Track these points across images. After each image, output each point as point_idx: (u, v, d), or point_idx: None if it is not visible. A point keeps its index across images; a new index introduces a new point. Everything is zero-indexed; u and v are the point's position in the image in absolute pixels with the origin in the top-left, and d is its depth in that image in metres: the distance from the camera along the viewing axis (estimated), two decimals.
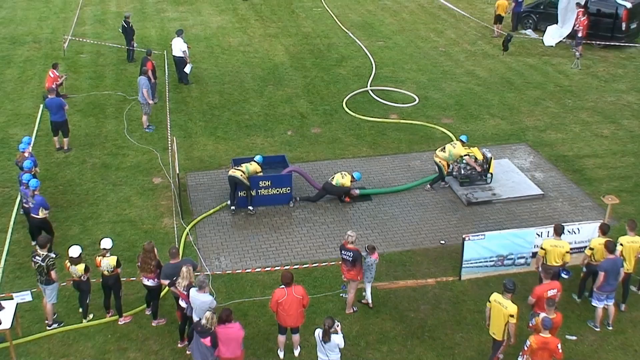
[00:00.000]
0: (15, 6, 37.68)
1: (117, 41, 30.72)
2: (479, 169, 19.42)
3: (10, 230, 17.50)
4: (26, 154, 18.05)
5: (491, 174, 19.72)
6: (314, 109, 24.95)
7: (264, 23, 34.87)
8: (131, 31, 29.27)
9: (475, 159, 19.36)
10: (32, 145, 19.40)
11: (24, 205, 16.68)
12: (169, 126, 23.06)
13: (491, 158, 19.61)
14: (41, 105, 23.95)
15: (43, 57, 29.63)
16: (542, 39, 32.41)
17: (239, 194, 18.36)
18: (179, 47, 26.57)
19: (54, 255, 14.19)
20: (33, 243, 16.37)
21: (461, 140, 19.61)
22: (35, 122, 23.50)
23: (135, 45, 29.33)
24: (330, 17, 35.82)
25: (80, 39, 31.52)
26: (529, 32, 33.62)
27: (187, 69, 26.66)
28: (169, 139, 21.83)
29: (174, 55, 26.84)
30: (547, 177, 20.46)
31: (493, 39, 32.58)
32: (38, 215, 16.23)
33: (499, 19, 33.13)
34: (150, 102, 22.98)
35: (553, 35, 32.21)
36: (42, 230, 16.31)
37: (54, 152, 21.60)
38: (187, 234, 17.39)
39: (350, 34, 33.00)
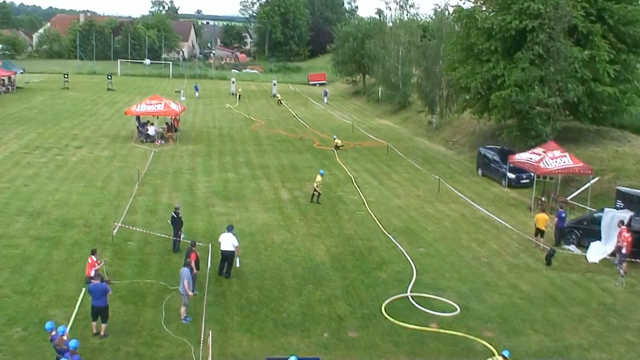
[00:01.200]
0: (71, 190, 39.27)
1: (165, 231, 31.48)
2: None
3: None
4: (65, 338, 18.32)
5: None
6: (352, 312, 24.76)
7: (308, 223, 35.54)
8: (180, 222, 30.07)
9: None
10: (67, 332, 19.49)
11: None
12: (203, 319, 23.02)
13: None
14: (83, 289, 24.26)
15: (92, 241, 30.33)
16: (585, 255, 32.29)
17: None
18: (230, 241, 27.11)
19: None
20: None
21: (503, 356, 19.16)
22: (75, 305, 23.69)
23: (182, 237, 29.99)
24: (373, 220, 36.40)
25: (130, 227, 32.37)
26: (572, 247, 33.55)
27: (238, 263, 27.10)
28: (204, 333, 21.71)
29: (223, 250, 27.29)
30: None
31: (536, 253, 32.55)
32: None
33: (539, 232, 33.29)
34: (190, 293, 23.13)
35: (597, 251, 32.08)
36: None
37: (90, 337, 21.56)
38: None
39: (392, 239, 33.35)
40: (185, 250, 26.88)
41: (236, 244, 27.23)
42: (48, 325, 19.57)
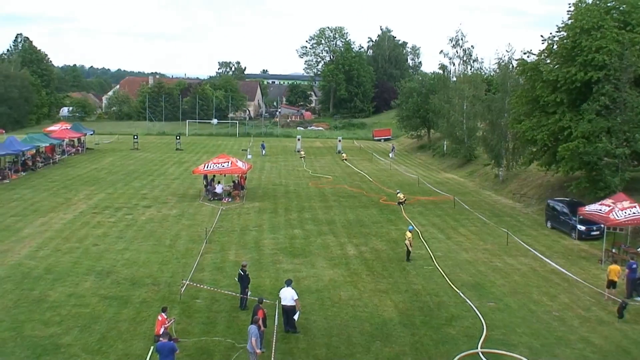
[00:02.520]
0: (140, 249, 39.98)
1: (232, 289, 31.69)
2: None
3: None
4: None
5: None
6: None
7: (375, 278, 35.33)
8: (247, 279, 30.26)
9: None
10: None
11: None
12: None
13: None
14: (151, 347, 24.49)
15: (160, 299, 30.72)
16: None
17: None
18: (290, 295, 27.17)
19: None
20: None
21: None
22: None
23: (249, 294, 30.13)
24: (441, 275, 35.98)
25: (198, 285, 32.70)
26: None
27: (297, 317, 27.11)
28: None
29: (284, 305, 27.34)
30: None
31: (608, 305, 31.65)
32: None
33: (612, 283, 32.44)
34: (258, 351, 23.14)
35: None
36: None
37: None
38: None
39: (461, 294, 32.87)
40: (252, 307, 26.99)
41: (295, 297, 27.30)
42: None
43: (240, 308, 29.91)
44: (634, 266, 33.20)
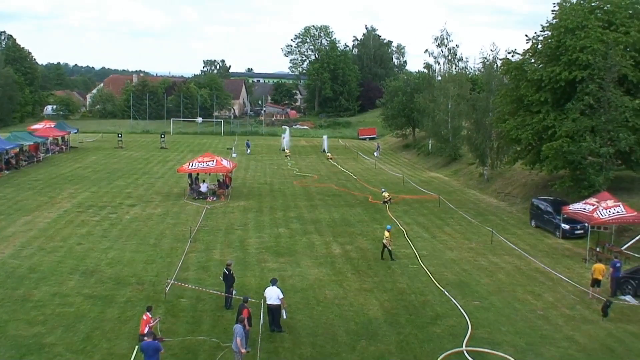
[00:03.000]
0: (124, 248, 39.84)
1: (217, 288, 31.61)
2: None
3: None
4: None
5: None
6: None
7: (360, 277, 35.34)
8: (231, 278, 30.20)
9: None
10: None
11: None
12: None
13: None
14: (136, 347, 24.38)
15: (144, 298, 30.60)
16: None
17: None
18: (275, 294, 27.15)
19: None
20: None
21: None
22: None
23: (234, 293, 30.07)
24: (426, 274, 36.06)
25: (183, 284, 32.59)
26: (628, 298, 32.76)
27: (284, 315, 27.18)
28: None
29: (269, 304, 27.30)
30: None
31: (592, 304, 31.81)
32: None
33: (596, 282, 32.63)
34: (243, 350, 23.08)
35: None
36: None
37: None
38: None
39: (446, 292, 32.95)
40: (237, 306, 26.93)
41: (281, 296, 27.32)
42: None
43: (226, 307, 29.84)
44: (618, 265, 33.41)
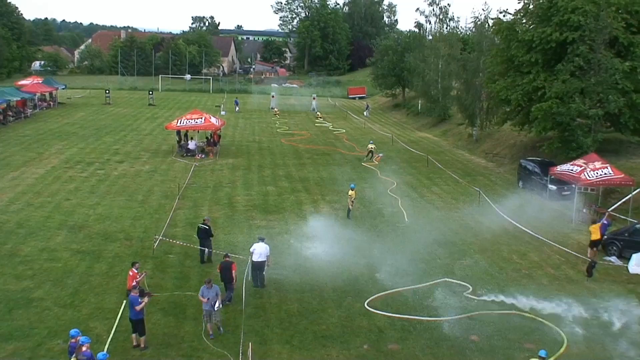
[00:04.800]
0: (112, 204, 39.85)
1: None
2: None
3: None
4: (84, 348, 18.56)
5: None
6: (391, 324, 24.68)
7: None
8: (208, 232, 30.48)
9: None
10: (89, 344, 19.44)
11: None
12: (243, 331, 23.10)
13: None
14: (124, 302, 24.53)
15: (132, 254, 30.70)
16: (627, 267, 31.83)
17: None
18: (264, 251, 27.40)
19: None
20: None
21: (540, 356, 19.16)
22: (116, 318, 23.95)
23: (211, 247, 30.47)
24: (414, 233, 36.21)
25: (171, 240, 32.69)
26: (613, 259, 33.10)
27: (265, 272, 27.68)
28: (243, 345, 21.76)
29: (255, 260, 27.45)
30: None
31: (577, 264, 32.06)
32: None
33: (595, 243, 32.59)
34: (216, 308, 23.13)
35: (638, 263, 31.62)
36: None
37: (131, 349, 21.83)
38: None
39: (432, 251, 33.17)
40: (216, 262, 27.15)
41: (268, 253, 27.50)
42: (73, 331, 19.67)
43: (201, 263, 30.05)
44: (606, 222, 33.55)
